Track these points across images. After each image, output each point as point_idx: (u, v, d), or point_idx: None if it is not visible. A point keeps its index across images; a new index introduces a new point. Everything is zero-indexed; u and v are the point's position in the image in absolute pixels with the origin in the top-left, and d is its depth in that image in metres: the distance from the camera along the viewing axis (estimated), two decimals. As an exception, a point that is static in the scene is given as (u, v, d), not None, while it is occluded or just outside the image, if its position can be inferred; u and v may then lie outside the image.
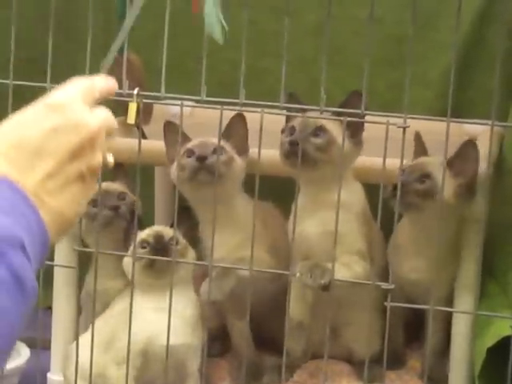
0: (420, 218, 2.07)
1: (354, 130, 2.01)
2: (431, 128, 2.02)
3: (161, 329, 2.00)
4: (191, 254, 2.16)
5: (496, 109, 1.75)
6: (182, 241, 2.14)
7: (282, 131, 2.07)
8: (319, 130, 2.01)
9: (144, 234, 2.13)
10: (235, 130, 2.11)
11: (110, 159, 1.02)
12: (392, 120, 1.72)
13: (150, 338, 2.09)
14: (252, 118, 1.99)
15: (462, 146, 2.03)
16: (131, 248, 2.09)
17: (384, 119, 1.73)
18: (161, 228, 2.18)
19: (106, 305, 2.22)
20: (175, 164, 2.11)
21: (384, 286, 1.80)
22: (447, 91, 1.79)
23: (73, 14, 2.69)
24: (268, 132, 1.85)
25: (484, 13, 2.64)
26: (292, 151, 1.97)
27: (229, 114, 2.02)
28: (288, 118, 2.10)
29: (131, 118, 1.71)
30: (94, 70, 1.87)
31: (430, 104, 2.68)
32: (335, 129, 2.02)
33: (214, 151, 2.05)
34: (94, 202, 2.07)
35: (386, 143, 1.73)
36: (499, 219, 2.16)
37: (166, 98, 1.83)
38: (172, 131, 2.11)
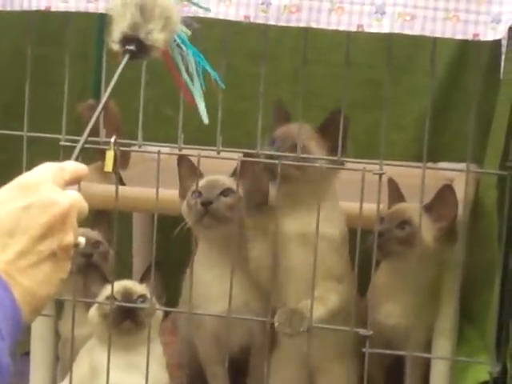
0: (399, 264, 2.06)
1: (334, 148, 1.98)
2: (407, 172, 2.03)
3: None
4: (159, 313, 2.05)
5: (471, 153, 1.77)
6: (152, 299, 2.01)
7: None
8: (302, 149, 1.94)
9: (114, 288, 1.98)
10: (246, 168, 2.05)
11: (81, 240, 1.02)
12: (368, 167, 1.73)
13: None
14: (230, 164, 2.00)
15: (439, 191, 2.04)
16: (98, 298, 2.06)
17: (360, 166, 1.74)
18: (130, 284, 2.08)
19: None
20: (185, 202, 2.10)
21: (362, 332, 1.80)
22: (423, 134, 1.80)
23: (50, 60, 2.69)
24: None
25: (459, 57, 2.66)
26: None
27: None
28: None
29: (108, 166, 1.70)
30: (71, 115, 1.88)
31: (406, 147, 2.70)
32: (315, 146, 2.00)
33: (222, 193, 2.05)
34: None
35: (363, 190, 1.73)
36: (476, 263, 2.16)
37: (143, 146, 1.84)
38: (185, 166, 2.11)
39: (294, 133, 1.93)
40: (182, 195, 2.12)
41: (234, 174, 2.06)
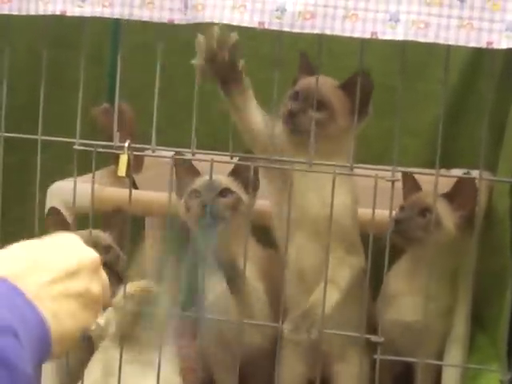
0: (421, 252, 2.04)
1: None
2: (420, 178, 2.03)
3: None
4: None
5: (484, 160, 1.76)
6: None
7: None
8: (319, 104, 1.96)
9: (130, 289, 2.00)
10: (244, 168, 2.07)
11: (101, 321, 1.08)
12: (381, 173, 1.73)
13: None
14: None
15: (459, 180, 2.05)
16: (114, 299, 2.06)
17: (373, 172, 1.74)
18: (146, 283, 2.08)
19: None
20: (182, 201, 2.10)
21: (373, 338, 1.79)
22: (436, 141, 1.80)
23: (63, 63, 2.70)
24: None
25: (472, 64, 2.66)
26: (290, 121, 1.96)
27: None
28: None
29: (122, 170, 1.72)
30: (85, 118, 1.89)
31: (419, 153, 2.70)
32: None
33: (220, 193, 2.05)
34: None
35: (375, 197, 1.73)
36: (488, 270, 2.16)
37: (156, 150, 1.84)
38: (182, 165, 2.11)
39: (315, 87, 1.89)
40: (179, 194, 2.12)
41: (232, 174, 2.06)
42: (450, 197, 2.05)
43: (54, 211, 2.19)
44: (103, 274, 1.07)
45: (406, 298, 2.14)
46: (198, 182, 2.10)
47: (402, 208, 2.03)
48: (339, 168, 1.81)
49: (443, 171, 2.00)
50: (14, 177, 2.08)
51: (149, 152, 1.86)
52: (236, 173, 2.08)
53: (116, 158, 1.90)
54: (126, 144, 1.80)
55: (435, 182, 1.73)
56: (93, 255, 1.05)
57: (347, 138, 1.99)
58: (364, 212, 2.02)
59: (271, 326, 1.94)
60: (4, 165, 1.90)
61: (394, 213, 1.90)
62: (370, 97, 1.94)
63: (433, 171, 1.77)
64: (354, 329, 1.88)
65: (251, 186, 2.09)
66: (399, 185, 1.86)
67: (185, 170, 2.09)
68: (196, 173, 2.11)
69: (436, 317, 2.00)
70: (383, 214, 1.81)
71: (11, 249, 1.00)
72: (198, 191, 2.07)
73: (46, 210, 2.23)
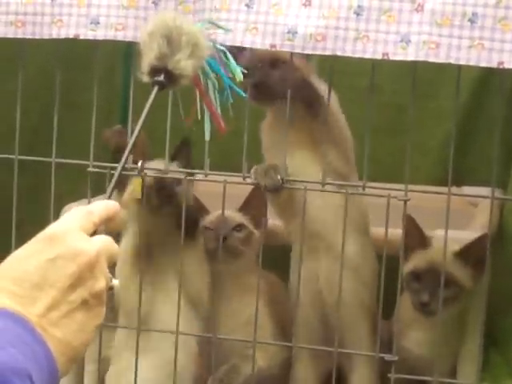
0: None
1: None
2: (431, 196, 2.03)
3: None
4: None
5: (496, 178, 1.77)
6: None
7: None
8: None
9: None
10: (254, 202, 2.12)
11: (115, 282, 1.03)
12: (393, 193, 1.74)
13: None
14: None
15: (471, 243, 2.03)
16: None
17: (385, 192, 1.74)
18: None
19: None
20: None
21: (387, 357, 1.80)
22: (446, 158, 1.81)
23: (75, 84, 2.71)
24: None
25: (482, 82, 2.67)
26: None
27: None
28: None
29: (137, 192, 1.72)
30: (97, 140, 1.90)
31: (430, 171, 2.71)
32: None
33: (234, 228, 2.08)
34: None
35: (388, 216, 1.74)
36: (501, 288, 2.16)
37: (169, 173, 1.85)
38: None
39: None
40: None
41: (242, 208, 2.09)
42: (465, 254, 2.01)
43: None
44: (102, 261, 0.98)
45: (415, 333, 2.13)
46: (211, 218, 2.12)
47: (418, 276, 2.01)
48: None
49: (454, 189, 1.99)
50: (27, 198, 2.09)
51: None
52: (246, 207, 2.10)
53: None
54: (139, 165, 1.81)
55: (447, 200, 1.74)
56: (91, 249, 0.96)
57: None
58: (376, 231, 2.04)
59: (283, 345, 1.95)
60: (17, 186, 1.91)
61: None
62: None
63: (444, 189, 1.77)
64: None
65: (262, 222, 2.13)
66: (411, 203, 1.86)
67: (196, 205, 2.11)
68: (204, 210, 2.14)
69: (446, 348, 2.00)
70: (396, 232, 1.82)
71: (3, 270, 0.94)
72: (210, 228, 2.09)
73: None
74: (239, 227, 2.09)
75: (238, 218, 2.12)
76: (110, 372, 2.10)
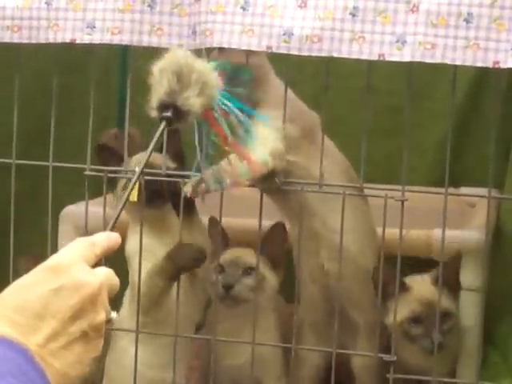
0: None
1: None
2: (428, 196, 2.04)
3: None
4: None
5: (492, 177, 1.77)
6: None
7: None
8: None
9: None
10: (273, 241, 2.06)
11: (113, 315, 1.03)
12: (390, 193, 1.74)
13: None
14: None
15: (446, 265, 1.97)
16: None
17: (382, 192, 1.75)
18: None
19: None
20: (207, 274, 2.09)
21: (386, 357, 1.80)
22: (443, 159, 1.81)
23: (71, 88, 2.72)
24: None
25: (477, 82, 2.68)
26: None
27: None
28: None
29: (133, 196, 1.72)
30: (94, 144, 1.90)
31: (427, 172, 2.71)
32: None
33: (244, 272, 2.04)
34: None
35: (385, 217, 1.75)
36: (499, 287, 2.17)
37: (167, 176, 1.85)
38: (215, 226, 2.07)
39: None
40: (211, 257, 2.08)
41: (262, 244, 1.95)
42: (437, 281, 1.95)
43: None
44: (104, 294, 0.99)
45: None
46: (225, 257, 2.08)
47: (418, 319, 1.99)
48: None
49: (451, 189, 2.00)
50: (24, 202, 2.09)
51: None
52: (264, 245, 1.97)
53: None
54: (137, 169, 1.81)
55: (444, 200, 1.74)
56: (94, 282, 0.97)
57: None
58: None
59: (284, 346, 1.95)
60: (15, 190, 1.91)
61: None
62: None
63: (441, 190, 1.78)
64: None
65: (279, 262, 2.09)
66: (408, 204, 1.86)
67: (217, 233, 2.05)
68: (226, 239, 2.11)
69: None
70: (393, 232, 1.83)
71: (6, 298, 0.95)
72: (222, 268, 2.06)
73: (59, 234, 2.25)
74: (250, 271, 2.04)
75: (251, 258, 2.04)
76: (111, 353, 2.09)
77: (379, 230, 1.82)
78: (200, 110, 1.32)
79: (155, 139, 1.24)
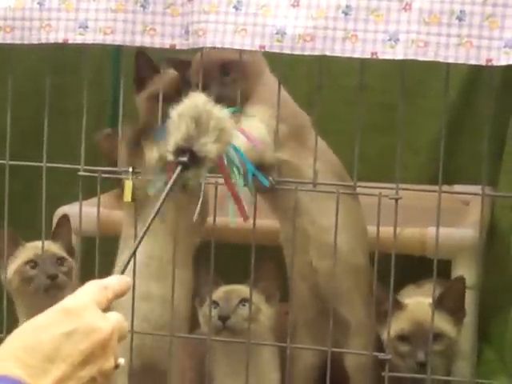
0: None
1: None
2: (422, 194, 2.04)
3: None
4: None
5: (486, 174, 1.78)
6: None
7: None
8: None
9: None
10: (267, 273, 2.07)
11: (121, 361, 1.02)
12: (384, 191, 1.75)
13: None
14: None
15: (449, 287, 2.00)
16: None
17: (376, 191, 1.75)
18: None
19: None
20: (201, 310, 2.10)
21: (381, 356, 1.80)
22: (437, 156, 1.81)
23: (64, 89, 2.72)
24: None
25: (470, 79, 2.68)
26: None
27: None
28: None
29: (127, 196, 1.72)
30: (88, 144, 1.90)
31: (420, 170, 2.71)
32: None
33: (239, 303, 2.04)
34: (32, 264, 2.10)
35: (379, 215, 1.75)
36: (493, 285, 2.17)
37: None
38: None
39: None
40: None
41: (255, 276, 1.94)
42: (439, 304, 1.94)
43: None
44: (115, 339, 1.00)
45: None
46: (218, 293, 2.07)
47: (405, 338, 1.96)
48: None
49: (445, 187, 2.00)
50: (18, 203, 2.09)
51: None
52: (256, 279, 1.96)
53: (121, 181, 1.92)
54: (130, 169, 1.82)
55: (438, 198, 1.74)
56: (106, 328, 0.98)
57: None
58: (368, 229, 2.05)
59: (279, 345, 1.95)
60: (9, 191, 1.91)
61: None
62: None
63: (435, 187, 1.78)
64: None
65: (273, 295, 2.10)
66: (402, 202, 1.86)
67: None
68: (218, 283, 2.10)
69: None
70: (387, 231, 1.83)
71: (18, 338, 0.95)
72: (216, 302, 2.05)
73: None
74: (244, 302, 2.03)
75: (244, 291, 2.03)
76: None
77: (373, 228, 1.82)
78: (216, 157, 1.33)
79: (171, 182, 1.25)
